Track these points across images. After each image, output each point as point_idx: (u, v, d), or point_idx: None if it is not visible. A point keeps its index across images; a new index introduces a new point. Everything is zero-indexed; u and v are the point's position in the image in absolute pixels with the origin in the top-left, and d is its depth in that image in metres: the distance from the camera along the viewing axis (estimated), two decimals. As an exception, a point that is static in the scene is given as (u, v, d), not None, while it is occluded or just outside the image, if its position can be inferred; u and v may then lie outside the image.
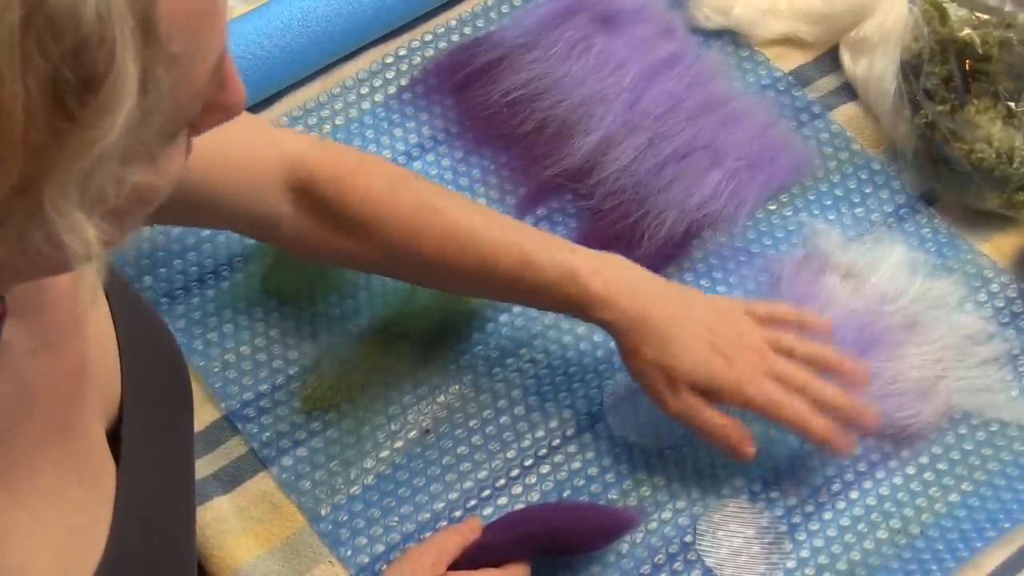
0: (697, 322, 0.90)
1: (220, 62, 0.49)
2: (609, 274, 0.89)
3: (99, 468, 0.64)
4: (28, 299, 0.57)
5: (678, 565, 0.92)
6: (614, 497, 0.94)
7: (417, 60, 1.17)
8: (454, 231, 0.89)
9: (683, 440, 0.97)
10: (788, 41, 1.19)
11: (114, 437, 0.66)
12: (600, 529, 0.89)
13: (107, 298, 0.67)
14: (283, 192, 0.89)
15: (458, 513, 0.94)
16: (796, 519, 0.93)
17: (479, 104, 1.12)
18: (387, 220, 0.89)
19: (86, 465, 0.62)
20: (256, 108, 1.13)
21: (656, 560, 0.92)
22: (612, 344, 1.00)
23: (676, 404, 0.89)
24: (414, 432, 0.97)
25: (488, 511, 0.94)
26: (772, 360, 0.90)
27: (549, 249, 0.90)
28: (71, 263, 0.44)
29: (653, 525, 0.93)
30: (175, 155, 0.49)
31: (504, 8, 1.21)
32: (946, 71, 1.06)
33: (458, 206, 0.91)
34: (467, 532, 0.87)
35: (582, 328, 1.02)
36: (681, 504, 0.94)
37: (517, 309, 1.03)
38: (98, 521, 0.62)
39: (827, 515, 0.94)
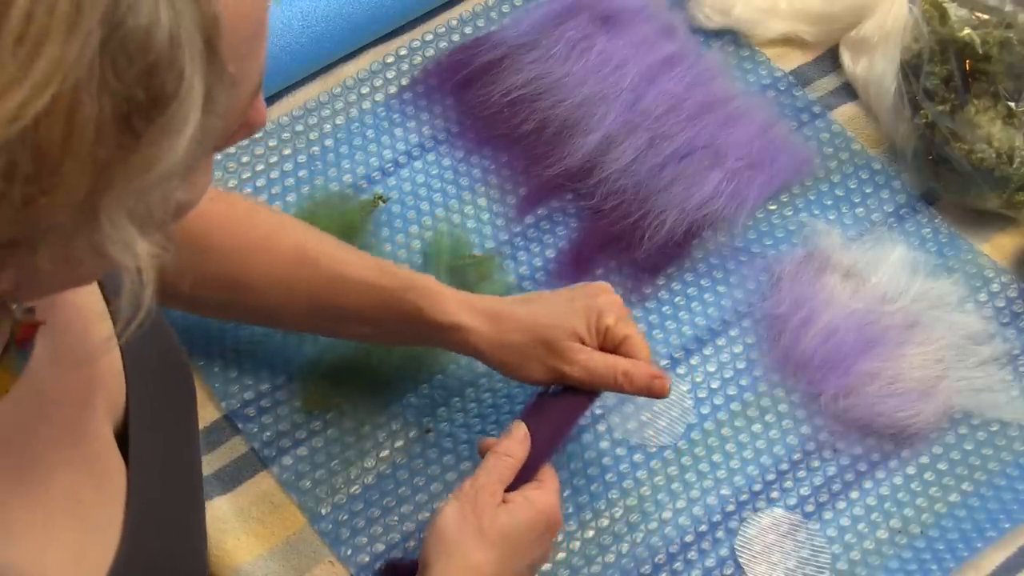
0: (547, 293, 0.92)
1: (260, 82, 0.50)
2: (455, 288, 0.90)
3: (110, 468, 0.64)
4: (43, 307, 0.58)
5: (678, 565, 0.92)
6: (614, 496, 0.94)
7: (417, 60, 1.17)
8: (304, 246, 0.89)
9: (683, 440, 0.97)
10: (788, 41, 1.19)
11: (121, 437, 0.67)
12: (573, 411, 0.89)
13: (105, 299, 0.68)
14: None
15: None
16: (796, 519, 0.93)
17: (479, 104, 1.12)
18: (243, 243, 0.88)
19: (98, 465, 0.63)
20: (256, 108, 1.13)
21: (656, 560, 0.92)
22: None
23: (573, 367, 0.87)
24: (414, 432, 0.97)
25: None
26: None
27: (400, 266, 0.91)
28: (95, 274, 0.45)
29: (653, 525, 0.93)
30: (208, 170, 0.50)
31: (504, 8, 1.21)
32: (946, 71, 1.06)
33: (309, 228, 0.92)
34: (517, 453, 0.84)
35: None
36: (681, 504, 0.94)
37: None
38: (111, 520, 0.63)
39: (827, 515, 0.94)
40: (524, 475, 0.85)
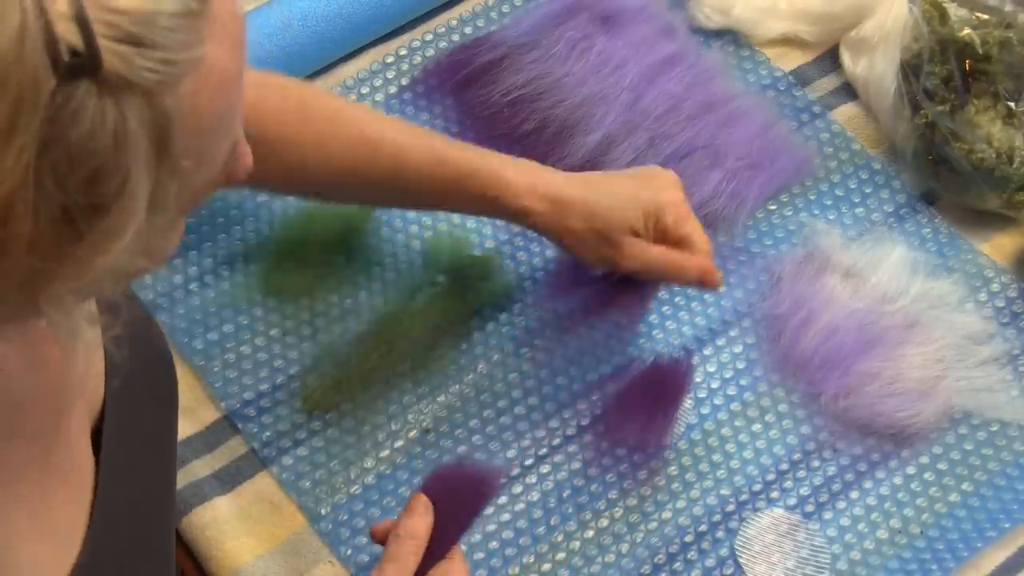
0: (615, 177, 0.93)
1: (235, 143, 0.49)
2: (520, 166, 0.91)
3: (81, 471, 0.63)
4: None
5: (678, 565, 0.92)
6: (614, 496, 0.94)
7: (417, 60, 1.17)
8: (362, 135, 0.90)
9: (683, 440, 0.97)
10: (788, 41, 1.19)
11: (96, 433, 0.66)
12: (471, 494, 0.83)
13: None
14: None
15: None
16: (796, 519, 0.93)
17: (479, 104, 1.12)
18: (298, 135, 0.89)
19: (69, 471, 0.62)
20: (256, 108, 1.13)
21: (656, 560, 0.92)
22: (613, 344, 1.01)
23: (626, 259, 0.90)
24: (414, 432, 0.97)
25: (488, 511, 0.94)
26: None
27: (461, 148, 0.92)
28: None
29: (653, 525, 0.93)
30: (171, 238, 0.49)
31: (504, 8, 1.21)
32: (946, 71, 1.06)
33: (368, 113, 0.93)
34: (420, 531, 0.77)
35: (583, 328, 1.02)
36: (681, 504, 0.94)
37: (516, 309, 1.03)
38: (75, 524, 0.62)
39: (827, 515, 0.94)
40: (434, 553, 0.78)
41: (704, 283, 0.91)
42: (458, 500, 0.81)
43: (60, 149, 0.37)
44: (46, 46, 0.36)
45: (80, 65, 0.36)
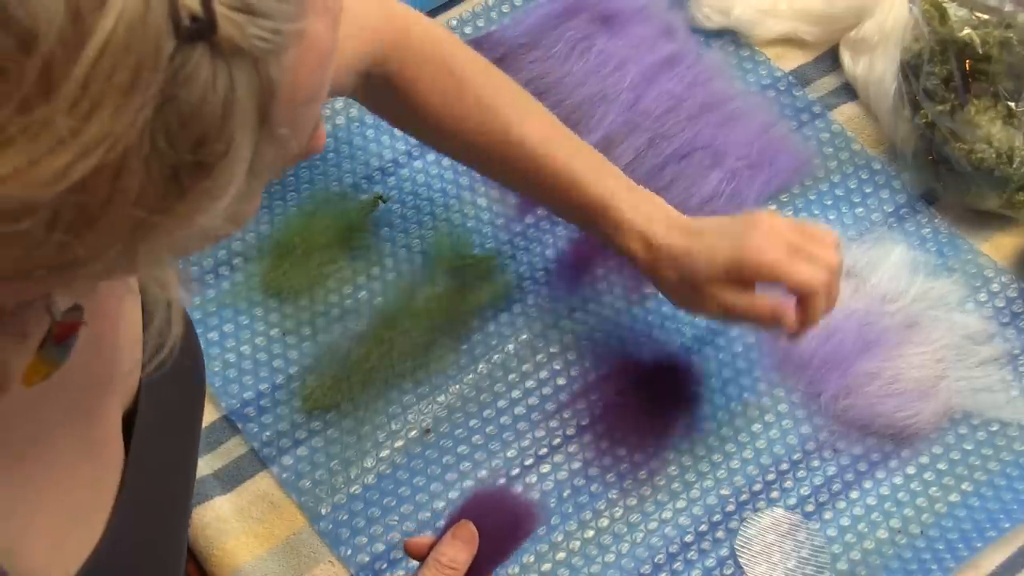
0: (716, 224, 0.90)
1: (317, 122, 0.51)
2: (637, 204, 0.91)
3: (111, 456, 0.65)
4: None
5: (678, 565, 0.92)
6: (614, 496, 0.94)
7: (417, 60, 1.17)
8: (506, 134, 0.92)
9: (684, 440, 0.97)
10: (788, 41, 1.19)
11: (127, 422, 0.67)
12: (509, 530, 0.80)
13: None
14: (355, 76, 0.91)
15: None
16: (796, 519, 0.93)
17: (479, 104, 1.12)
18: (448, 121, 0.93)
19: (101, 450, 0.64)
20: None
21: (656, 560, 0.92)
22: (613, 344, 1.01)
23: (706, 308, 0.89)
24: (414, 432, 0.97)
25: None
26: (795, 240, 0.88)
27: (595, 175, 0.92)
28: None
29: (653, 525, 0.93)
30: (252, 204, 0.51)
31: (504, 8, 1.21)
32: (946, 71, 1.06)
33: (520, 119, 0.93)
34: (461, 560, 0.75)
35: (583, 328, 1.02)
36: (681, 504, 0.94)
37: (517, 309, 1.03)
38: (100, 506, 0.63)
39: (827, 515, 0.94)
40: None
41: (777, 323, 0.87)
42: (496, 531, 0.77)
43: (175, 109, 0.39)
44: (169, 10, 0.38)
45: (198, 30, 0.38)
